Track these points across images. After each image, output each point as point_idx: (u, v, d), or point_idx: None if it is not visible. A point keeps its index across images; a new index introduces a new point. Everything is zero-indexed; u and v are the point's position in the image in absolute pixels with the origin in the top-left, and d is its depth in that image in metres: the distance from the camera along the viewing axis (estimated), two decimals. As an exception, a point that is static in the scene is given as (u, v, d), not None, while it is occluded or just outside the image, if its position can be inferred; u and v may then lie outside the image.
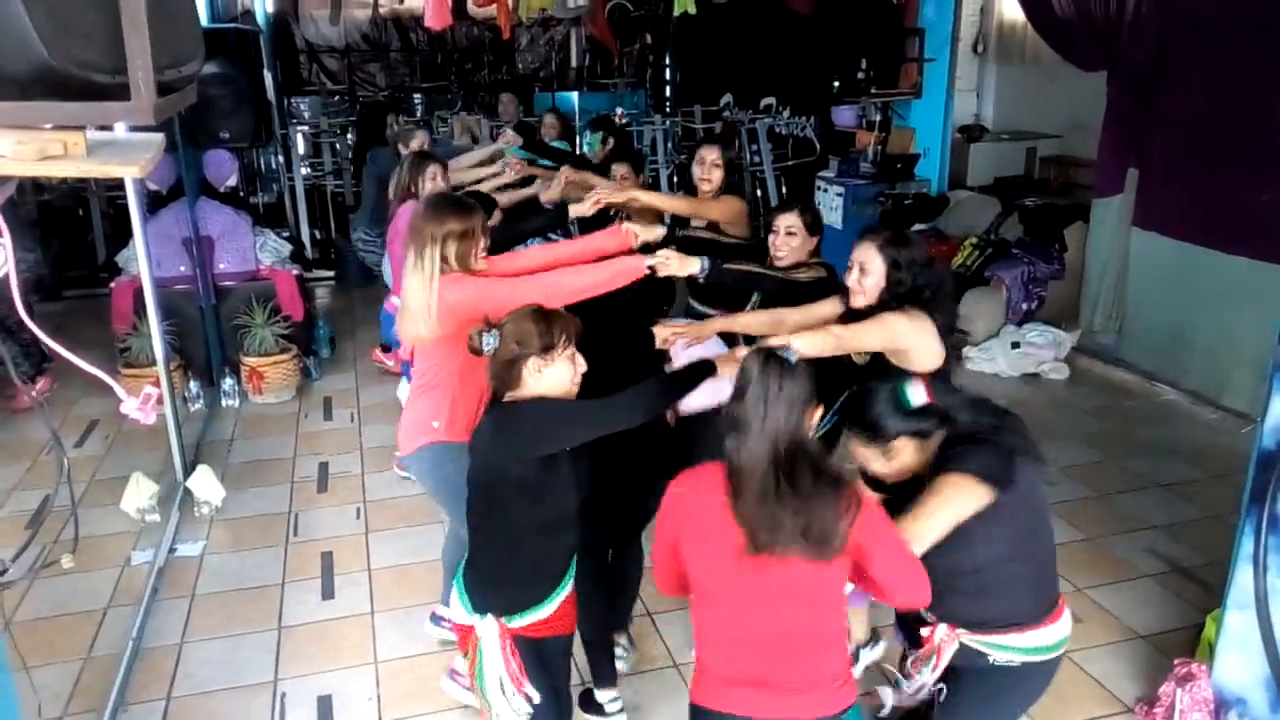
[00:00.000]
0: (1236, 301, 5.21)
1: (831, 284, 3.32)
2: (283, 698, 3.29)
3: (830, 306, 3.01)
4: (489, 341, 2.33)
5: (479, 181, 5.06)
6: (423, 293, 2.79)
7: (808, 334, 2.66)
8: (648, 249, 3.17)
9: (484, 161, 5.50)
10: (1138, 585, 3.87)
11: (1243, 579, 2.73)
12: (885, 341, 2.76)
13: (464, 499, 2.57)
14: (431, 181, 4.38)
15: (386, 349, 6.08)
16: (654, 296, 3.97)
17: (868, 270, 2.80)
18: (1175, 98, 5.63)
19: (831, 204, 7.65)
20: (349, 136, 9.36)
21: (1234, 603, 2.78)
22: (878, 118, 7.93)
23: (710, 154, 4.13)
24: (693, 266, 3.08)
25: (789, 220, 3.52)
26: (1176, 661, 3.05)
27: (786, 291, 3.34)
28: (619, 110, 9.32)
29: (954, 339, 2.80)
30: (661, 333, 2.95)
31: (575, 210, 3.87)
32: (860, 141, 8.06)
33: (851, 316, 2.89)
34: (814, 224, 3.55)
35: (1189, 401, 5.67)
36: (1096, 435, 5.31)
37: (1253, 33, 5.06)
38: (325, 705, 3.26)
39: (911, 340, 2.74)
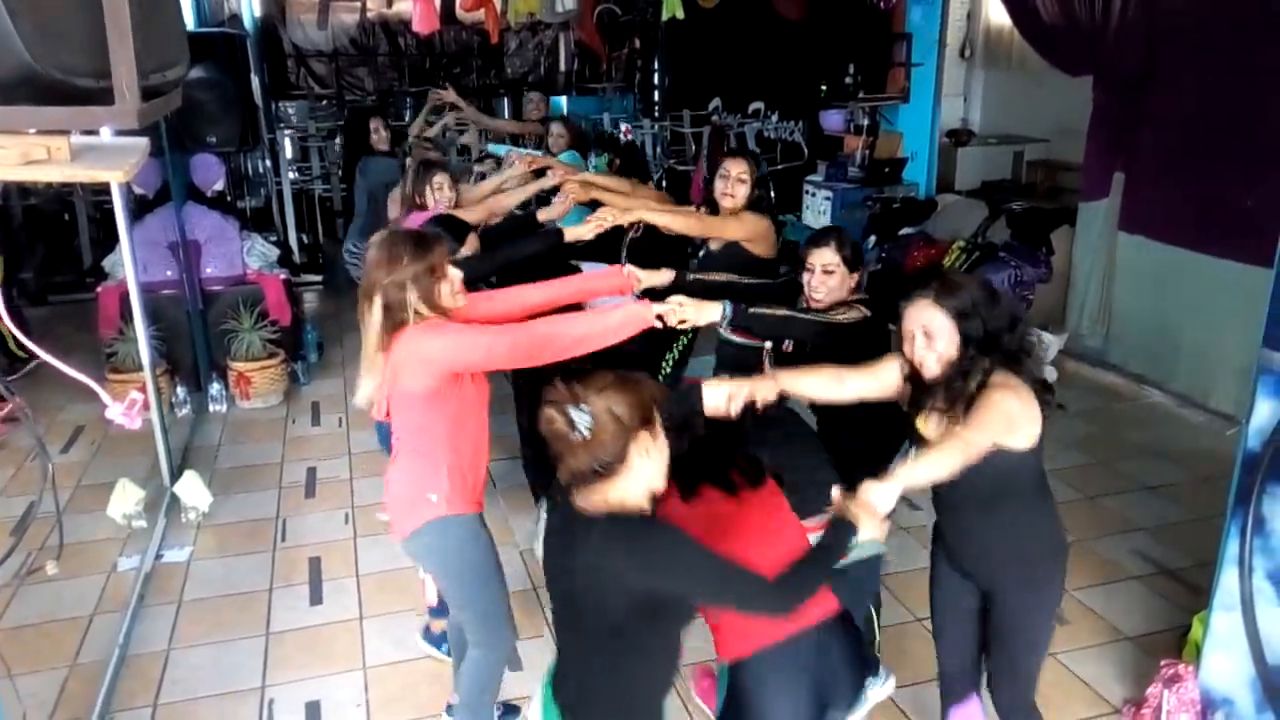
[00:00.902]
0: (1222, 304, 5.24)
1: (878, 324, 2.97)
2: (270, 704, 3.28)
3: (892, 371, 2.48)
4: (583, 421, 1.80)
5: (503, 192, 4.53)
6: (378, 347, 2.46)
7: (943, 449, 2.16)
8: (655, 295, 2.82)
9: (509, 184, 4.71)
10: (1125, 587, 3.89)
11: (1228, 580, 2.75)
12: (1003, 430, 2.22)
13: (467, 579, 2.59)
14: (438, 192, 4.10)
15: None
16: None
17: (933, 334, 2.27)
18: (1161, 101, 5.66)
19: (820, 208, 7.67)
20: (337, 141, 9.34)
21: (1220, 604, 2.80)
22: (865, 122, 7.95)
23: (735, 167, 3.77)
24: (711, 313, 2.75)
25: (825, 257, 3.05)
26: (1163, 663, 3.07)
27: (825, 335, 2.95)
28: (624, 126, 9.19)
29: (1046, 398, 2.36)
30: (716, 395, 2.34)
31: (572, 234, 3.54)
32: (848, 146, 8.08)
33: (915, 383, 2.40)
34: (854, 258, 3.10)
35: (1176, 404, 5.70)
36: (1083, 438, 5.33)
37: (1238, 37, 5.10)
38: (313, 711, 3.24)
39: (1025, 423, 2.27)
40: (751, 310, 2.83)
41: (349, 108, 10.30)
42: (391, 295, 2.41)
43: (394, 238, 2.52)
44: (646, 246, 4.24)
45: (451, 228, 3.41)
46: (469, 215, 3.90)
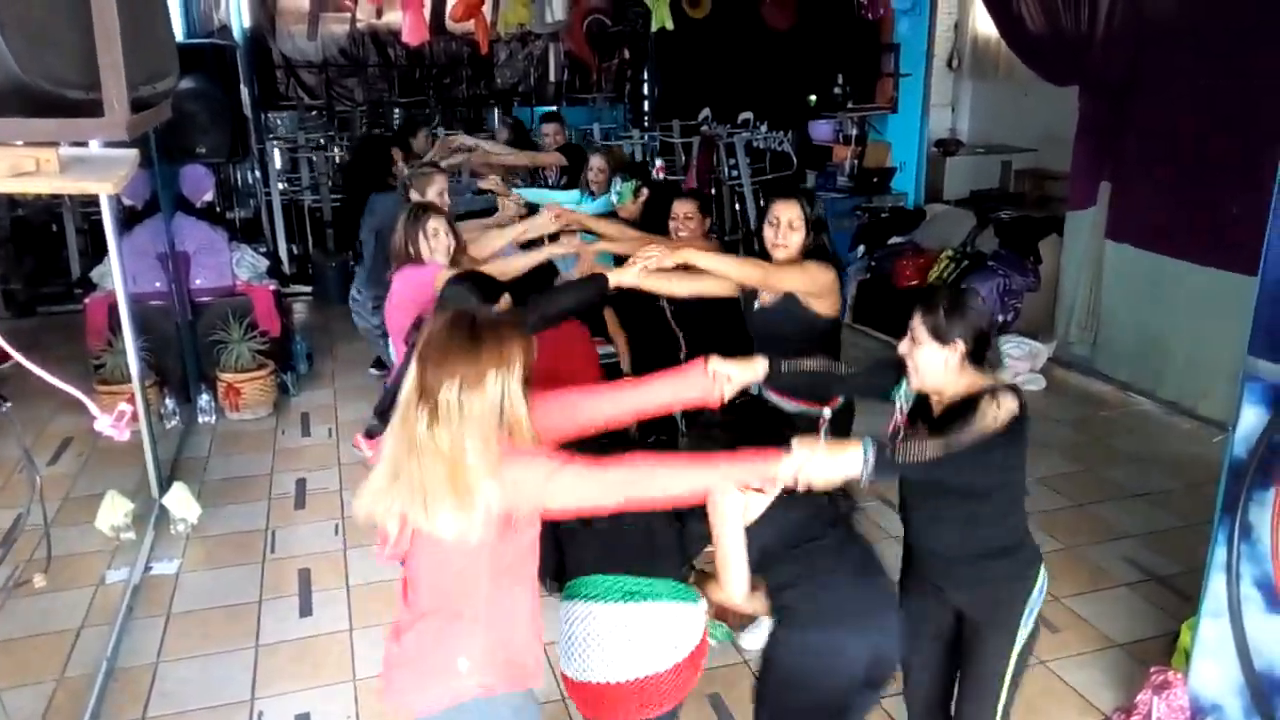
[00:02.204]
0: (1209, 312, 5.28)
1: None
2: (260, 716, 3.26)
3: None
4: None
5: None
6: (460, 466, 1.79)
7: None
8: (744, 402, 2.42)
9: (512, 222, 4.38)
10: (1114, 594, 3.90)
11: (1217, 587, 2.76)
12: None
13: None
14: (434, 239, 3.54)
15: (371, 436, 5.17)
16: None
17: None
18: (1146, 111, 5.71)
19: (809, 217, 7.70)
20: (327, 153, 9.30)
21: (1208, 611, 2.81)
22: (854, 132, 8.02)
23: (786, 211, 3.20)
24: (850, 464, 2.03)
25: (917, 330, 2.28)
26: (1153, 669, 3.08)
27: (988, 451, 2.19)
28: (659, 164, 8.94)
29: None
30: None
31: (616, 278, 2.98)
32: (837, 155, 8.13)
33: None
34: (976, 346, 2.26)
35: (1164, 412, 5.73)
36: (1073, 446, 5.36)
37: (1223, 46, 5.15)
38: (303, 724, 3.23)
39: None
40: (901, 460, 2.10)
41: (358, 136, 9.79)
42: (494, 394, 1.83)
43: (491, 322, 1.94)
44: (694, 308, 3.61)
45: (483, 286, 2.86)
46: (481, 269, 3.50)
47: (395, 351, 3.62)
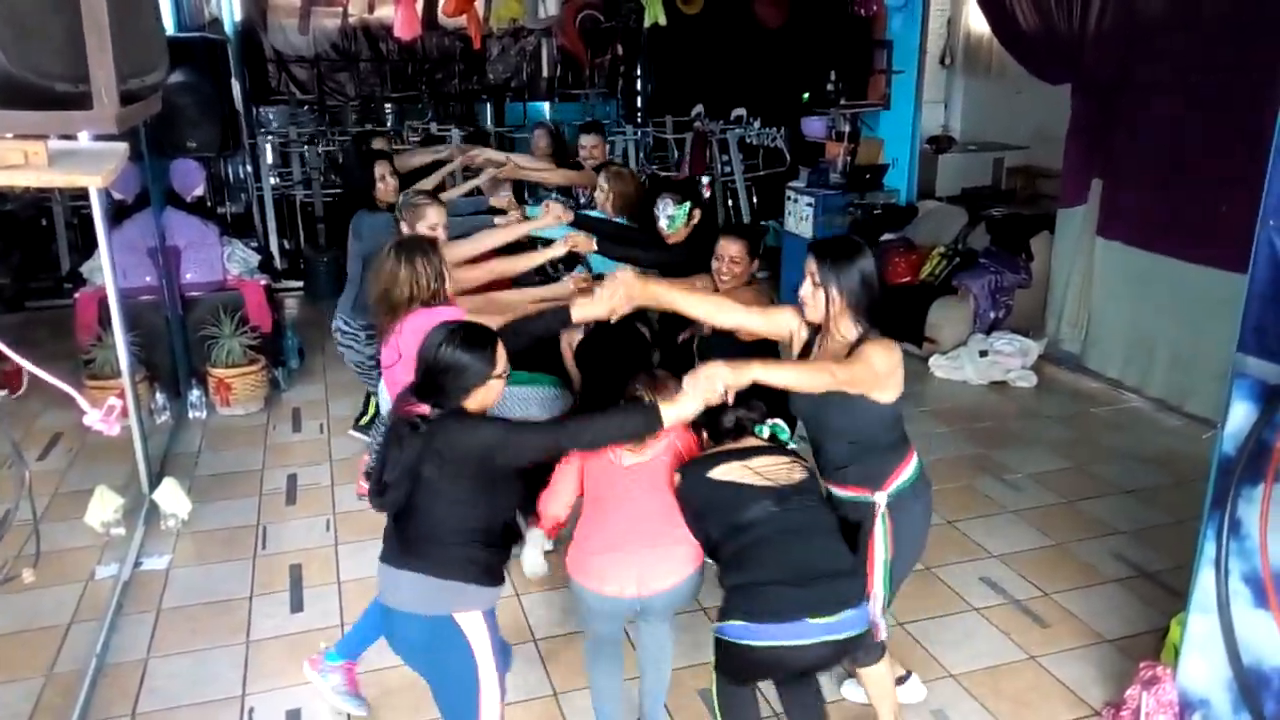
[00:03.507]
0: (1199, 309, 5.30)
1: None
2: (250, 712, 3.25)
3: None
4: None
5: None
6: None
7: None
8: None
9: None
10: (1104, 590, 3.92)
11: (1205, 583, 2.78)
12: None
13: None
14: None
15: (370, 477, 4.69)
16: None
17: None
18: (1138, 109, 5.73)
19: (802, 214, 7.71)
20: (319, 147, 9.26)
21: (1197, 606, 2.82)
22: (847, 128, 8.01)
23: (809, 265, 2.68)
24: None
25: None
26: (1142, 664, 3.09)
27: None
28: (705, 180, 8.52)
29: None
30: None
31: (581, 314, 2.89)
32: (830, 152, 8.12)
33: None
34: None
35: (1154, 408, 5.75)
36: (1063, 442, 5.38)
37: (1213, 46, 5.17)
38: (294, 719, 3.22)
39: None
40: None
41: (346, 148, 9.05)
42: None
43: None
44: (724, 342, 3.21)
45: (473, 340, 2.48)
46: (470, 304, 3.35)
47: (389, 401, 3.36)
